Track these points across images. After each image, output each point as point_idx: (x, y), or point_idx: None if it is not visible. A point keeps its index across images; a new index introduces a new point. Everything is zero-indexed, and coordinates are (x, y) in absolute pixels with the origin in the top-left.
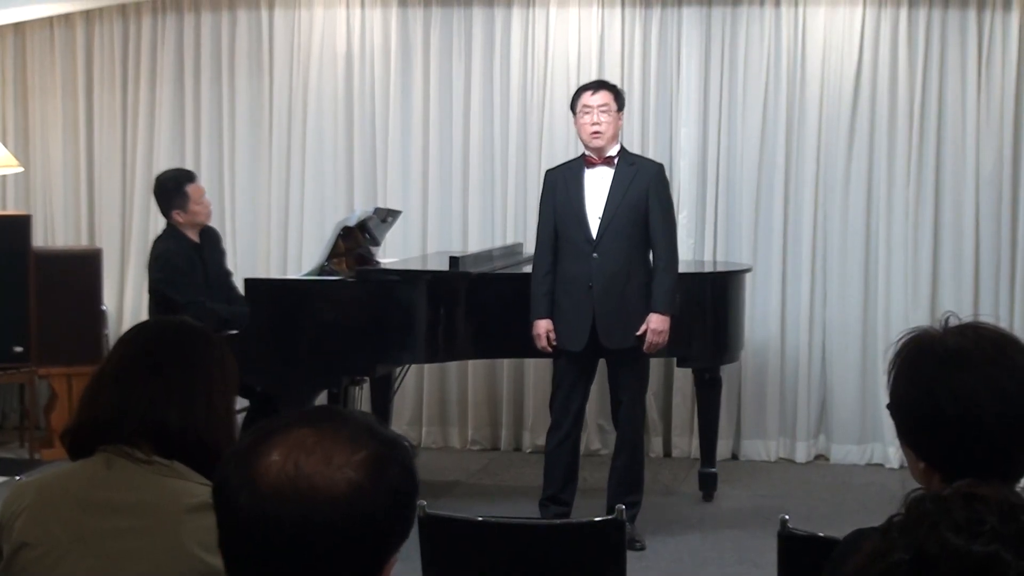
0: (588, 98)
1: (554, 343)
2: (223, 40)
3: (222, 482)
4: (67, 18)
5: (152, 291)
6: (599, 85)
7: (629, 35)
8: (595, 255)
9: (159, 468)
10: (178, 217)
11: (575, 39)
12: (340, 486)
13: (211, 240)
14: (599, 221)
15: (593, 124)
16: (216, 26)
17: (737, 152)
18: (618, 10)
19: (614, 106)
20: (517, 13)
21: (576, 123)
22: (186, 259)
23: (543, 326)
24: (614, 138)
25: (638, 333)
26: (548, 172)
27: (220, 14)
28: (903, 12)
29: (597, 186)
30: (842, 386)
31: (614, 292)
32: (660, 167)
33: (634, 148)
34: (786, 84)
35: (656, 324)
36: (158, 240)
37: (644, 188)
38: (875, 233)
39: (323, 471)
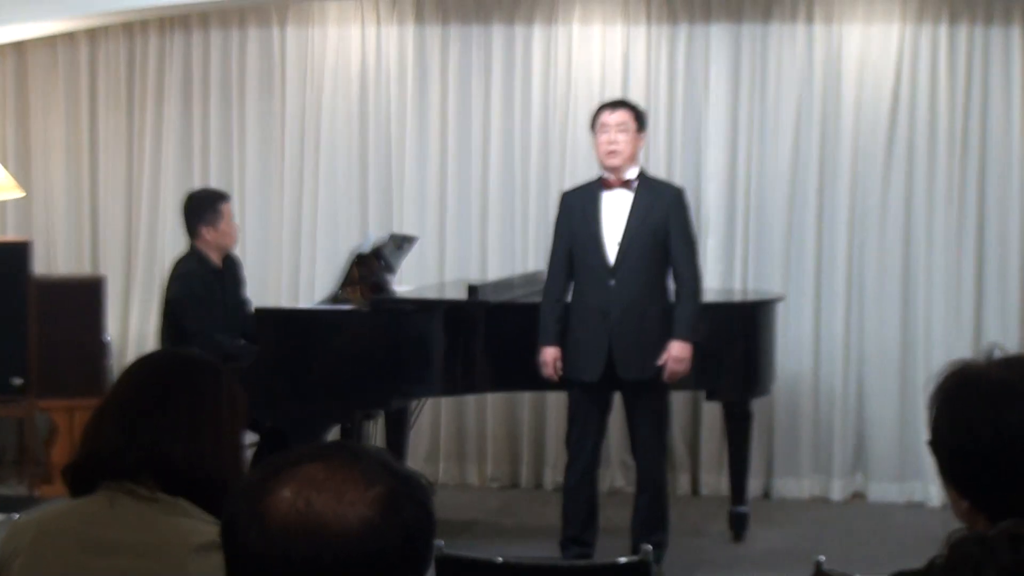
0: (606, 116)
1: (561, 372)
2: (233, 59)
3: (230, 518)
4: (70, 36)
5: (165, 313)
6: (618, 104)
7: (655, 53)
8: (612, 282)
9: (164, 506)
10: (206, 234)
11: (598, 58)
12: (352, 524)
13: (232, 268)
14: (617, 247)
15: (610, 143)
16: (225, 44)
17: (768, 175)
18: (643, 27)
19: (633, 125)
20: (538, 31)
21: (594, 142)
22: (205, 285)
23: (550, 354)
24: (632, 159)
25: (659, 363)
26: (564, 194)
27: (230, 31)
28: (943, 28)
29: (615, 210)
30: (880, 421)
31: (632, 321)
32: (680, 191)
33: (660, 171)
34: (819, 104)
35: (677, 352)
36: (180, 260)
37: (664, 213)
38: (914, 260)
39: (335, 508)
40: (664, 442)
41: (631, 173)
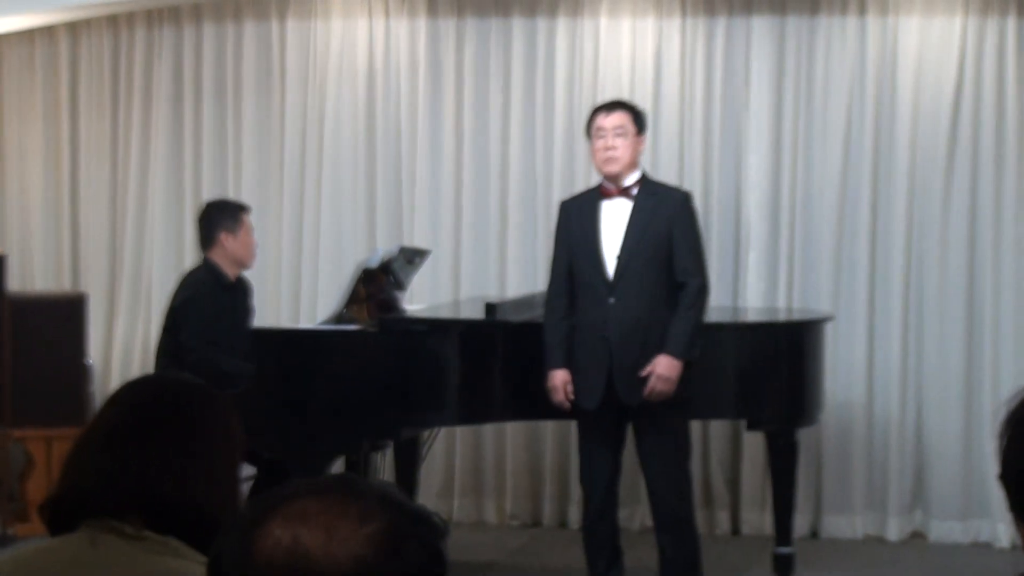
0: (601, 119)
1: (572, 397)
2: (228, 55)
3: (217, 555)
4: (49, 31)
5: (167, 327)
6: (614, 105)
7: (690, 49)
8: (612, 299)
9: (153, 545)
10: (226, 242)
11: (628, 54)
12: (343, 563)
13: (244, 291)
14: (616, 260)
15: (607, 148)
16: (220, 39)
17: (815, 183)
18: (677, 20)
19: (631, 128)
20: (563, 24)
21: (591, 148)
22: (214, 298)
23: (559, 377)
24: (631, 165)
25: (642, 374)
26: (563, 203)
27: (224, 25)
28: (1011, 20)
29: (614, 220)
30: (942, 452)
31: (634, 341)
32: (686, 196)
33: (695, 180)
34: (872, 104)
35: (664, 368)
36: (191, 271)
37: (667, 221)
38: (979, 276)
39: (324, 545)
40: (684, 472)
41: (630, 179)
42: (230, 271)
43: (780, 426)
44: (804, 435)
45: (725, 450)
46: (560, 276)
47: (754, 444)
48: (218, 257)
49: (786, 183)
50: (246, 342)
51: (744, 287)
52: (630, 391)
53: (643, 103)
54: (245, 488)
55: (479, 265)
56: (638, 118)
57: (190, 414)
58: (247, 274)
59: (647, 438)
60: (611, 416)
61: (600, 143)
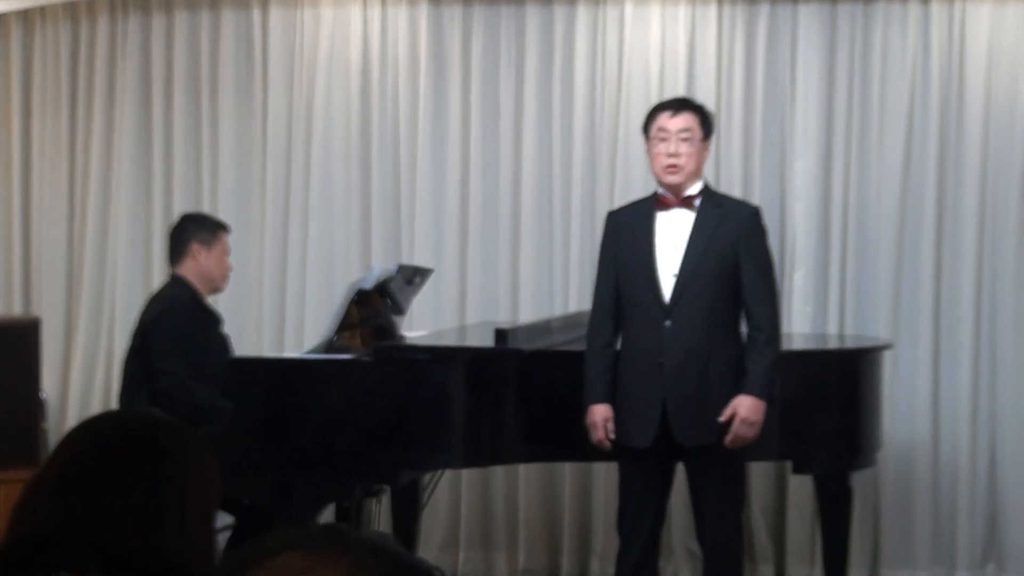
0: (665, 120)
1: (612, 436)
2: (203, 47)
3: None
4: None
5: (136, 348)
6: (681, 104)
7: (728, 40)
8: (668, 323)
9: None
10: (198, 254)
11: (657, 46)
12: None
13: (214, 319)
14: (674, 279)
15: (669, 156)
16: (194, 29)
17: (871, 191)
18: (713, 7)
19: (699, 133)
20: (583, 12)
21: (649, 151)
22: (191, 318)
23: (600, 413)
24: (696, 173)
25: (721, 419)
26: (610, 215)
27: (199, 14)
28: None
29: (672, 234)
30: (1018, 498)
31: (692, 371)
32: (756, 211)
33: (734, 187)
34: (937, 102)
35: (747, 411)
36: (162, 287)
37: (734, 238)
38: None
39: None
40: (738, 524)
41: (693, 189)
42: (201, 290)
43: (831, 469)
44: (859, 479)
45: (768, 496)
46: (606, 297)
47: (801, 489)
48: (188, 273)
49: (837, 191)
50: (221, 377)
51: (789, 310)
52: (685, 429)
53: None
54: (222, 539)
55: (488, 286)
56: (706, 121)
57: (158, 454)
58: (221, 304)
59: (702, 483)
60: (661, 456)
61: (662, 147)
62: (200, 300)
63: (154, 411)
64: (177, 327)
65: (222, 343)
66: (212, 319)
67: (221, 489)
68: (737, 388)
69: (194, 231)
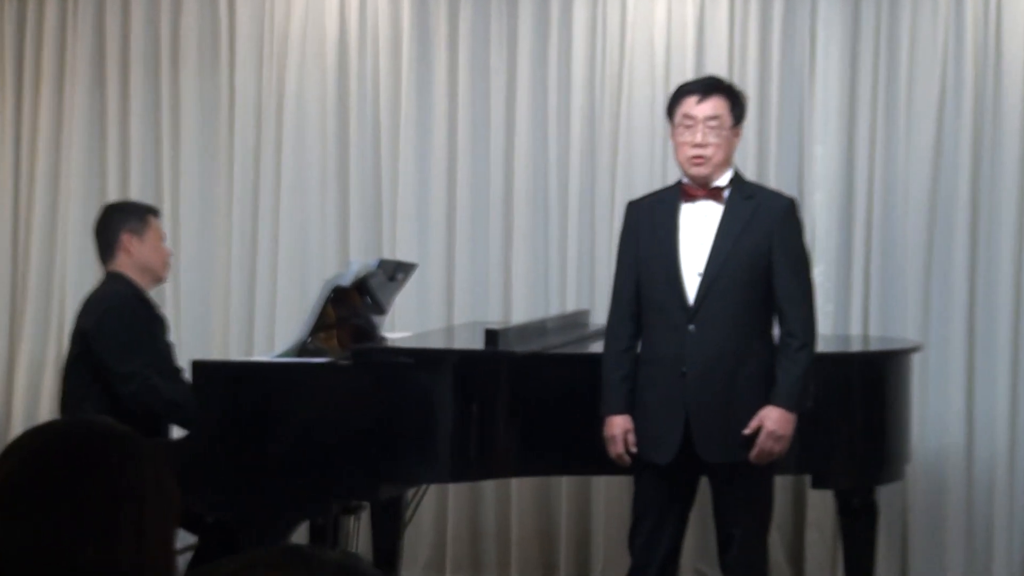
0: (692, 106)
1: (634, 450)
2: (163, 25)
3: None
4: None
5: (78, 356)
6: (709, 87)
7: (741, 18)
8: (692, 327)
9: None
10: (130, 246)
11: (663, 20)
12: None
13: (160, 322)
14: (699, 279)
15: (695, 146)
16: (152, 5)
17: (898, 181)
18: None
19: (728, 119)
20: None
21: (673, 138)
22: (137, 314)
23: (619, 425)
24: (726, 163)
25: (746, 431)
26: (631, 205)
27: None
28: None
29: (698, 228)
30: None
31: (718, 381)
32: (790, 203)
33: (747, 174)
34: (972, 86)
35: (776, 424)
36: (97, 288)
37: (767, 233)
38: None
39: None
40: (764, 549)
41: (722, 179)
42: (142, 283)
43: (855, 483)
44: (885, 493)
45: (786, 513)
46: (626, 297)
47: (821, 505)
48: (124, 267)
49: (861, 181)
50: (178, 377)
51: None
52: (709, 444)
53: (681, 81)
54: (183, 561)
55: (477, 283)
56: (737, 105)
57: (110, 467)
58: (184, 301)
59: (729, 502)
60: (683, 471)
61: (687, 137)
62: (143, 296)
63: (103, 419)
64: (125, 325)
65: (167, 350)
66: (158, 320)
67: (180, 504)
68: (767, 400)
69: (122, 221)
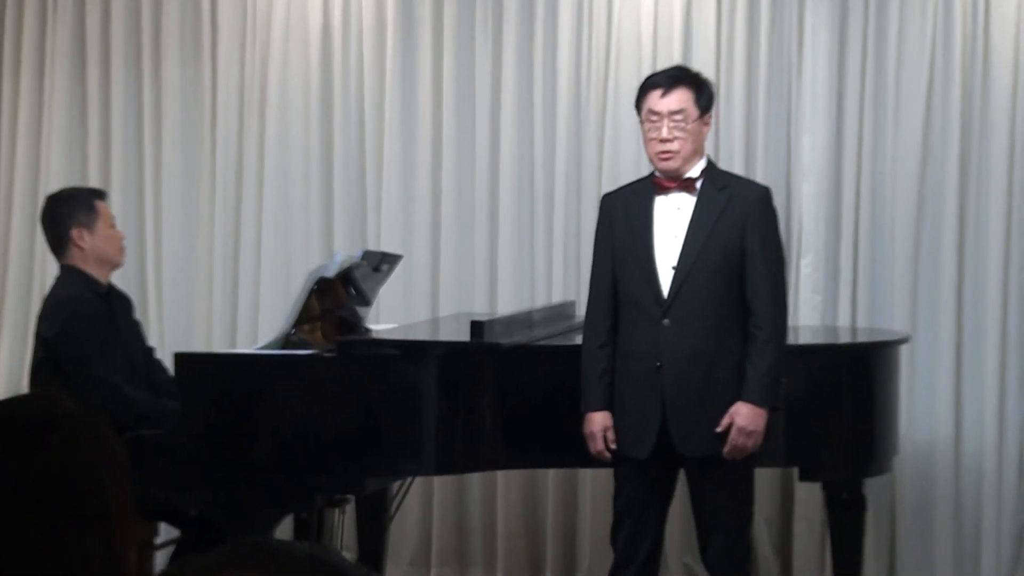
0: (656, 101)
1: (613, 445)
2: (144, 13)
3: None
4: None
5: (42, 361)
6: (673, 80)
7: (728, 8)
8: (666, 321)
9: None
10: (80, 240)
11: (650, 8)
12: None
13: (123, 304)
14: (673, 272)
15: (661, 141)
16: None
17: (886, 171)
18: None
19: (694, 112)
20: None
21: (642, 133)
22: (98, 315)
23: (598, 421)
24: (695, 154)
25: (718, 429)
26: (605, 198)
27: None
28: None
29: (671, 221)
30: None
31: (694, 375)
32: (765, 192)
33: (735, 165)
34: (960, 76)
35: (746, 420)
36: (54, 287)
37: (740, 223)
38: None
39: None
40: (746, 541)
41: (694, 171)
42: (98, 274)
43: (842, 475)
44: (873, 486)
45: (773, 506)
46: (603, 291)
47: (809, 499)
48: (77, 261)
49: (850, 171)
50: (151, 360)
51: (796, 300)
52: (686, 438)
53: None
54: (164, 555)
55: (463, 274)
56: (702, 94)
57: (67, 450)
58: (165, 294)
59: (708, 497)
60: (660, 466)
61: (654, 133)
62: (99, 291)
63: (49, 395)
64: (87, 330)
65: (135, 332)
66: (120, 305)
67: (131, 484)
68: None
69: (69, 215)
